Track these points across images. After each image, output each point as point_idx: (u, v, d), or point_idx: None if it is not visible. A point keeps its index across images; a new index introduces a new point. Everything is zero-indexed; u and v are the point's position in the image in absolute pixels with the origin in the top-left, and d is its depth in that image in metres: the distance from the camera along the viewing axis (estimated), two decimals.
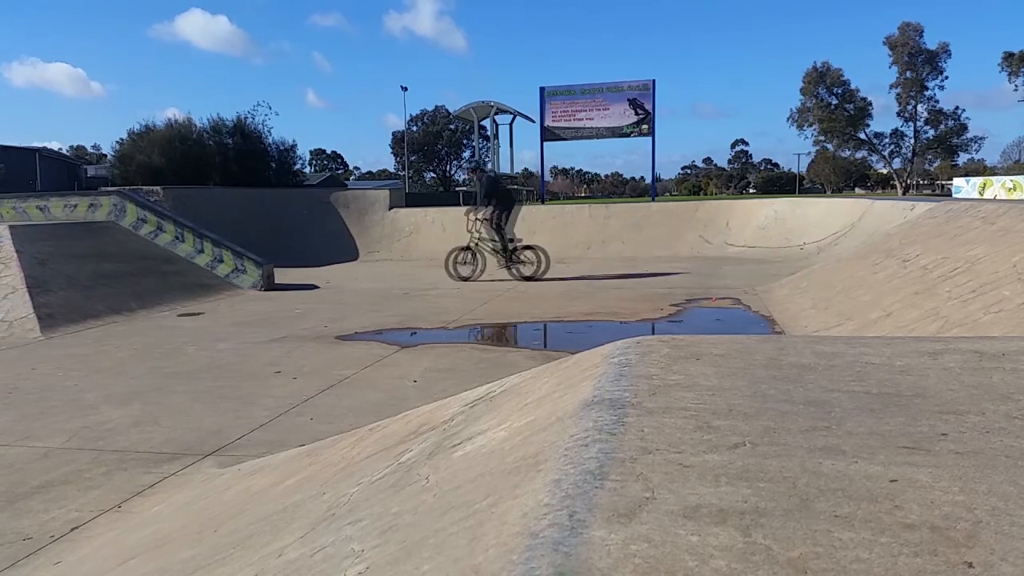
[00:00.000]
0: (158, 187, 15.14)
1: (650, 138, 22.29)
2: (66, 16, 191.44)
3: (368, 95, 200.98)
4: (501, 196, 11.44)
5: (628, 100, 22.14)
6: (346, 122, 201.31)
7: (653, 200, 22.35)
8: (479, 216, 11.45)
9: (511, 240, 11.40)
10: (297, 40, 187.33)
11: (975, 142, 58.36)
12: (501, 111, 26.54)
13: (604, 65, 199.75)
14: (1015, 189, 29.02)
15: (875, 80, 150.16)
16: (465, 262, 11.54)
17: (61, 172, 43.84)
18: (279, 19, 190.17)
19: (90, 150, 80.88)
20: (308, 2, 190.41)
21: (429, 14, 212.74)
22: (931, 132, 57.93)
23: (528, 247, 11.41)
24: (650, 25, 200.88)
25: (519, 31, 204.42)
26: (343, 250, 16.52)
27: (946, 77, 56.60)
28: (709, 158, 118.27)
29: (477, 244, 11.55)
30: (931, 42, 54.94)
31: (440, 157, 75.21)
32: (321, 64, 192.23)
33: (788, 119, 60.06)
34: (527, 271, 11.26)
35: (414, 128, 72.57)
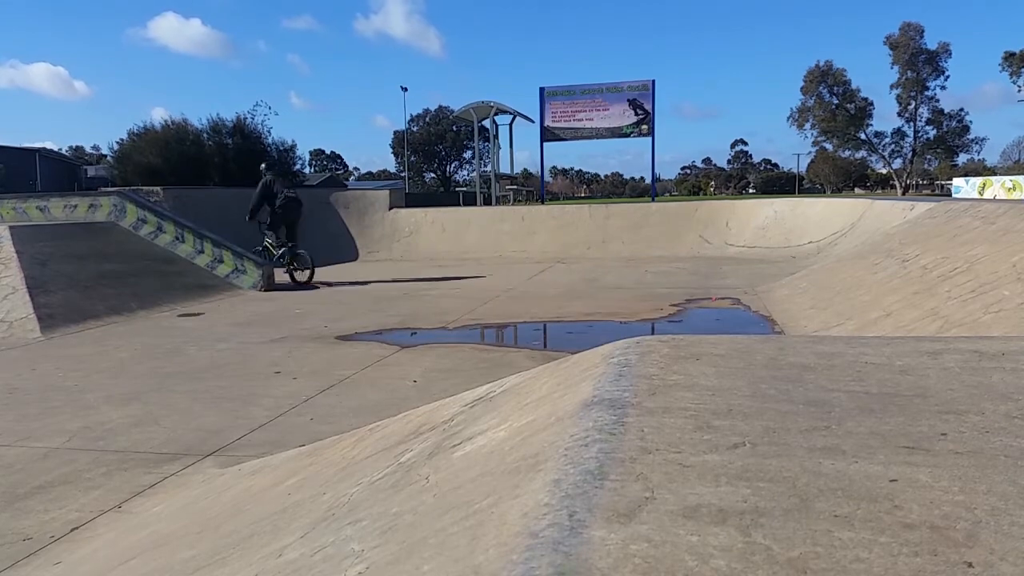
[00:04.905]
0: (158, 187, 15.11)
1: (649, 138, 22.30)
2: (48, 18, 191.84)
3: (353, 96, 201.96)
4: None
5: (628, 100, 22.17)
6: (333, 123, 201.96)
7: (653, 200, 22.34)
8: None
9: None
10: (272, 43, 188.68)
11: (976, 143, 58.46)
12: (501, 111, 26.53)
13: (600, 65, 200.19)
14: (1015, 189, 29.02)
15: (873, 80, 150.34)
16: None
17: (61, 172, 43.88)
18: (251, 23, 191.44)
19: (89, 150, 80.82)
20: (277, 6, 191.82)
21: (401, 14, 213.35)
22: (932, 132, 57.94)
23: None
24: (643, 25, 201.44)
25: (505, 31, 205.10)
26: (343, 250, 16.51)
27: (947, 77, 56.56)
28: (709, 158, 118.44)
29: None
30: (931, 42, 55.03)
31: (440, 157, 75.22)
32: (299, 66, 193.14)
33: (788, 118, 60.10)
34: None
35: (414, 128, 72.58)
